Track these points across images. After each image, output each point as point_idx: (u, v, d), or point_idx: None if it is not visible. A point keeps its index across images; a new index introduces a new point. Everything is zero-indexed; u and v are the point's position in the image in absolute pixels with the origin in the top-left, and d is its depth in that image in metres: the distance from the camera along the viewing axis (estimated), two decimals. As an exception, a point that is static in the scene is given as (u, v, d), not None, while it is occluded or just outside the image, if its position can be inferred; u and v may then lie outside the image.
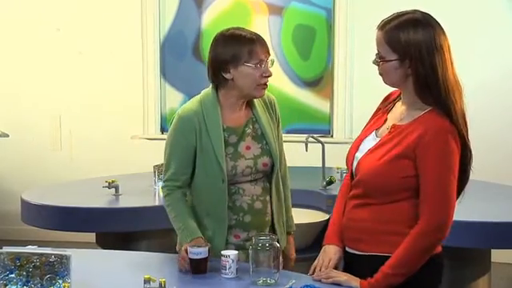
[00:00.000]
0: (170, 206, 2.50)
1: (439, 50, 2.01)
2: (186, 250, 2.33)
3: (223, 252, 2.29)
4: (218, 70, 2.41)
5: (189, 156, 2.46)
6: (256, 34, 2.42)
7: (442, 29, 2.05)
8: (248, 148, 2.47)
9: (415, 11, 2.07)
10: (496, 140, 5.02)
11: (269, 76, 2.42)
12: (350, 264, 2.18)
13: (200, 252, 2.31)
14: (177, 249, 2.59)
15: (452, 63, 2.04)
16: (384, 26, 2.06)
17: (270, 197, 2.53)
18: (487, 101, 4.89)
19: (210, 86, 2.50)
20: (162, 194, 2.57)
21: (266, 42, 2.45)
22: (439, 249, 2.13)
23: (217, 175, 2.43)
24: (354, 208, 2.17)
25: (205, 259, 2.32)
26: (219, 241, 2.47)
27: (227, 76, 2.41)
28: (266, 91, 2.53)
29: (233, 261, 2.25)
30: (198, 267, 2.31)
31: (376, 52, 2.09)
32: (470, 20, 4.99)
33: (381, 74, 2.11)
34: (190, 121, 2.45)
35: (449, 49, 2.04)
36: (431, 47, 2.00)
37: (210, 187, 2.46)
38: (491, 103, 4.96)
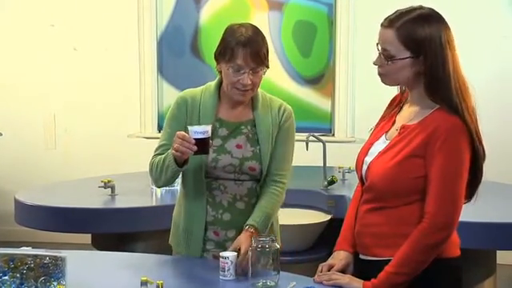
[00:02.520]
0: (153, 161, 2.47)
1: (450, 44, 2.02)
2: (183, 134, 2.28)
3: (222, 253, 2.28)
4: (215, 60, 2.47)
5: (178, 131, 2.42)
6: (248, 39, 2.36)
7: (447, 23, 2.06)
8: (239, 147, 2.48)
9: (421, 7, 2.07)
10: (498, 139, 5.02)
11: (245, 85, 2.37)
12: (368, 271, 2.14)
13: (206, 130, 2.28)
14: (169, 242, 2.61)
15: (458, 59, 2.05)
16: (393, 22, 2.03)
17: (257, 200, 2.51)
18: (487, 100, 4.86)
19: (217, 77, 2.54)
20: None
21: (263, 49, 2.39)
22: (457, 252, 2.13)
23: (197, 164, 2.44)
24: (367, 213, 2.16)
25: (209, 139, 2.30)
26: (197, 235, 2.49)
27: (218, 68, 2.46)
28: (285, 103, 2.56)
29: (232, 262, 2.25)
30: (203, 147, 2.27)
31: (381, 51, 2.06)
32: (468, 19, 4.99)
33: (383, 74, 2.09)
34: (183, 102, 2.49)
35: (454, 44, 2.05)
36: (444, 42, 2.01)
37: (191, 177, 2.48)
38: (491, 102, 4.94)
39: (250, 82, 2.38)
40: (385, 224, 2.10)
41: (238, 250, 2.32)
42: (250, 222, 2.42)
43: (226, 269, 2.24)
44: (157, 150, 2.51)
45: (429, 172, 2.02)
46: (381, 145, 2.15)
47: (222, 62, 2.42)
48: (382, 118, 2.26)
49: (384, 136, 2.18)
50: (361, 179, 2.22)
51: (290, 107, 2.57)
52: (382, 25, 2.07)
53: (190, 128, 2.30)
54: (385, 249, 2.10)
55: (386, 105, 2.29)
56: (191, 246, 2.51)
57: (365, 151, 2.20)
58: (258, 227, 2.41)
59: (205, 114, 2.47)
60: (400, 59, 2.03)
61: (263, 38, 2.42)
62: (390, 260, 2.06)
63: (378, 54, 2.08)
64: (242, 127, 2.50)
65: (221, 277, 2.26)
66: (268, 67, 2.42)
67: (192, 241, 2.50)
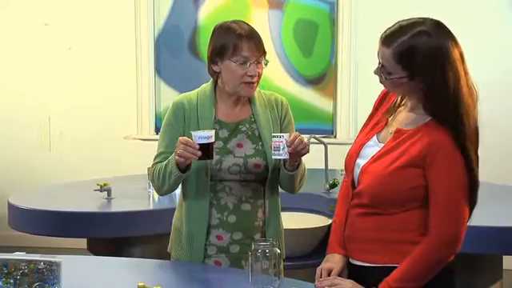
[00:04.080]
0: (154, 169, 2.49)
1: (451, 62, 1.97)
2: (186, 139, 2.31)
3: (274, 133, 2.36)
4: (209, 62, 2.48)
5: (176, 139, 2.45)
6: (248, 31, 2.43)
7: (453, 37, 2.00)
8: (240, 146, 2.49)
9: (424, 21, 2.00)
10: (502, 140, 5.03)
11: (253, 76, 2.42)
12: (359, 277, 2.14)
13: (210, 135, 2.31)
14: (168, 249, 2.61)
15: (466, 72, 2.00)
16: (391, 41, 1.99)
17: (264, 201, 2.53)
18: (490, 102, 4.86)
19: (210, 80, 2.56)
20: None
21: (262, 39, 2.45)
22: (451, 257, 2.13)
23: (200, 166, 2.45)
24: (359, 217, 2.15)
25: (213, 144, 2.33)
26: (199, 240, 2.49)
27: (215, 69, 2.47)
28: (276, 94, 2.59)
29: (286, 140, 2.30)
30: (207, 152, 2.30)
31: (380, 65, 2.04)
32: (468, 19, 5.01)
33: (383, 83, 2.09)
34: (180, 106, 2.51)
35: (461, 57, 2.00)
36: (444, 61, 1.96)
37: (194, 179, 2.48)
38: (492, 102, 4.95)
39: (256, 73, 2.42)
40: (379, 229, 2.09)
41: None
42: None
43: (281, 147, 2.30)
44: (156, 158, 2.53)
45: (430, 185, 2.02)
46: (373, 147, 2.14)
47: (223, 60, 2.43)
48: (372, 116, 2.24)
49: (376, 137, 2.16)
50: (351, 182, 2.20)
51: (283, 97, 2.62)
52: (380, 39, 2.03)
53: (193, 133, 2.32)
54: (377, 255, 2.10)
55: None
56: (193, 252, 2.50)
57: (356, 152, 2.18)
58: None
59: (203, 117, 2.48)
60: (397, 78, 2.02)
61: (255, 29, 2.49)
62: (382, 267, 2.07)
63: (378, 65, 2.06)
64: (241, 126, 2.51)
65: (274, 156, 2.32)
66: (266, 54, 2.46)
67: (194, 246, 2.50)
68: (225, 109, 2.52)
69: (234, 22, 2.47)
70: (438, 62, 1.96)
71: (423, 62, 1.97)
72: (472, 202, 2.07)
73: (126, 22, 5.58)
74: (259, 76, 2.45)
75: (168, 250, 2.63)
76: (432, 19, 2.03)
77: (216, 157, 2.45)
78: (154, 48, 5.62)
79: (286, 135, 2.31)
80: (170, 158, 2.41)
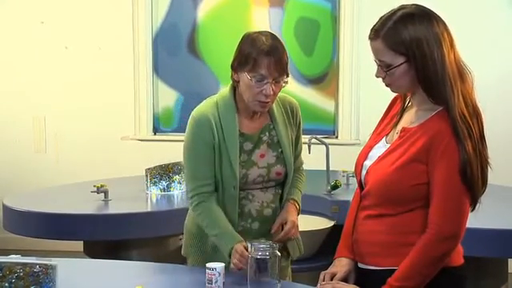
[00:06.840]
0: (202, 214, 2.50)
1: (439, 40, 2.01)
2: (245, 248, 2.33)
3: (208, 264, 2.26)
4: (231, 69, 2.47)
5: (212, 157, 2.48)
6: (271, 47, 2.38)
7: (437, 17, 2.05)
8: (262, 156, 2.52)
9: (404, 6, 2.07)
10: (506, 140, 5.03)
11: (268, 95, 2.40)
12: (366, 281, 2.15)
13: (267, 249, 2.27)
14: (182, 253, 2.62)
15: (455, 53, 2.04)
16: (378, 32, 2.05)
17: (282, 204, 2.58)
18: (488, 101, 4.87)
19: (229, 85, 2.54)
20: (189, 206, 2.56)
21: (286, 57, 2.42)
22: (461, 260, 2.13)
23: (229, 181, 2.48)
24: (366, 219, 2.16)
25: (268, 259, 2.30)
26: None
27: (235, 77, 2.47)
28: (288, 97, 2.61)
29: (219, 274, 2.23)
30: (265, 267, 2.25)
31: (378, 63, 2.08)
32: (469, 19, 5.01)
33: (389, 84, 2.11)
34: (206, 121, 2.48)
35: (449, 38, 2.04)
36: (430, 39, 2.01)
37: (220, 192, 2.50)
38: (493, 103, 4.96)
39: (272, 93, 2.40)
40: (386, 232, 2.10)
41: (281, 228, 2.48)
42: (290, 196, 2.58)
43: (214, 281, 2.22)
44: (197, 188, 2.49)
45: (431, 179, 2.03)
46: (381, 148, 2.16)
47: (241, 72, 2.42)
48: (382, 120, 2.27)
49: (384, 139, 2.19)
50: (359, 184, 2.23)
51: (294, 100, 2.64)
52: (369, 37, 2.08)
53: (253, 245, 2.28)
54: (385, 258, 2.11)
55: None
56: (219, 259, 2.42)
57: (364, 155, 2.21)
58: (298, 202, 2.59)
59: (228, 130, 2.48)
60: (397, 66, 2.04)
61: (283, 45, 2.45)
62: (390, 270, 2.07)
63: (377, 67, 2.10)
64: (262, 135, 2.54)
65: None
66: (288, 75, 2.44)
67: (218, 255, 2.47)
68: (246, 120, 2.53)
69: (261, 33, 2.44)
70: (424, 38, 2.01)
71: (412, 41, 2.01)
72: (473, 197, 2.05)
73: (123, 21, 5.58)
74: (275, 94, 2.43)
75: (183, 253, 2.63)
76: (412, 4, 2.09)
77: (243, 170, 2.48)
78: (151, 47, 5.62)
79: (219, 267, 2.24)
80: (220, 233, 2.44)
